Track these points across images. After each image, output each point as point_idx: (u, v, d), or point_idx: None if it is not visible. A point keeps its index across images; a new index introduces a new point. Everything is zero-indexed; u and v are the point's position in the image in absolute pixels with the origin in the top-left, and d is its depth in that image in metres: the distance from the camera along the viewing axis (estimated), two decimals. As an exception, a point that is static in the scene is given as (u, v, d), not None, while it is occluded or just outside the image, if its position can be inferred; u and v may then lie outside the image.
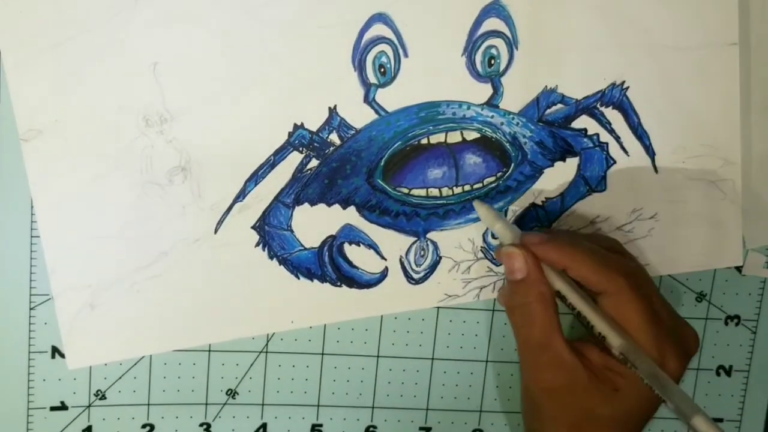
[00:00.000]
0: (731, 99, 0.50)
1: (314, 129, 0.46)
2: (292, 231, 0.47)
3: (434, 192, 0.48)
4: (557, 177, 0.49)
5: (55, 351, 0.48)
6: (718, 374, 0.55)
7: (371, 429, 0.53)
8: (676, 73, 0.49)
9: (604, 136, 0.49)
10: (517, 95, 0.47)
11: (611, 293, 0.43)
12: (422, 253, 0.49)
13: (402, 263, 0.49)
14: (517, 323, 0.45)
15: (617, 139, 0.49)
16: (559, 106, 0.48)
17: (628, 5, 0.47)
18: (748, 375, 0.56)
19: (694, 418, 0.39)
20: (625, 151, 0.49)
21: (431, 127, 0.47)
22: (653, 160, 0.50)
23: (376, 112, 0.46)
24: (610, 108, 0.49)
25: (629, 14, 0.48)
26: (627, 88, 0.49)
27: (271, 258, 0.48)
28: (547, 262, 0.44)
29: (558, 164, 0.49)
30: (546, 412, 0.45)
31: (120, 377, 0.49)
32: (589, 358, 0.44)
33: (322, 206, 0.47)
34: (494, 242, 0.49)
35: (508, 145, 0.48)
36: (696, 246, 0.52)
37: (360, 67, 0.46)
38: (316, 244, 0.48)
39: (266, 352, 0.50)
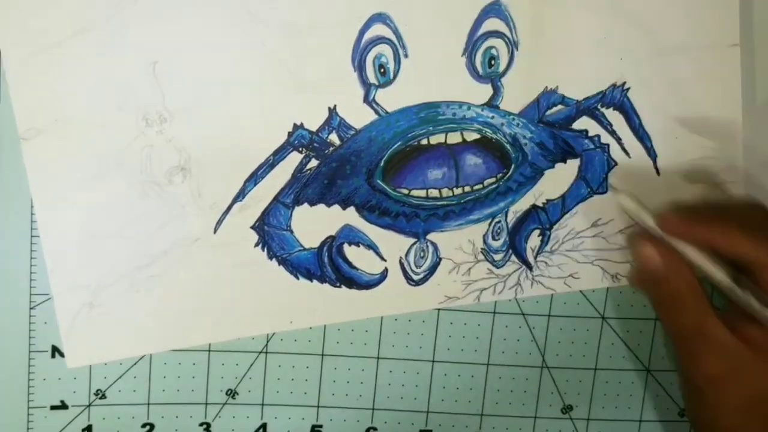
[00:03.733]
0: (733, 100, 0.49)
1: (314, 129, 0.46)
2: (291, 231, 0.47)
3: (434, 193, 0.48)
4: (558, 178, 0.49)
5: (55, 350, 0.48)
6: (723, 379, 0.55)
7: (371, 430, 0.52)
8: (677, 75, 0.48)
9: (605, 138, 0.49)
10: (517, 96, 0.47)
11: (764, 265, 0.40)
12: (422, 254, 0.49)
13: (402, 264, 0.49)
14: (668, 315, 0.43)
15: (618, 140, 0.49)
16: (560, 107, 0.48)
17: (629, 6, 0.47)
18: (753, 379, 0.55)
19: None
20: (627, 153, 0.49)
21: (431, 128, 0.47)
22: (655, 162, 0.49)
23: (376, 112, 0.46)
24: (611, 109, 0.48)
25: (630, 15, 0.47)
26: (628, 89, 0.48)
27: (271, 258, 0.47)
28: (694, 241, 0.42)
29: (559, 166, 0.49)
30: (713, 400, 0.43)
31: (120, 377, 0.49)
32: (749, 334, 0.42)
33: (321, 206, 0.47)
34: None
35: (508, 146, 0.48)
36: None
37: (360, 67, 0.45)
38: (316, 244, 0.48)
39: (266, 352, 0.50)
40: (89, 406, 0.49)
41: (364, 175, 0.47)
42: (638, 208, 0.45)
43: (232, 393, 0.50)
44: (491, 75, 0.47)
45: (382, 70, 0.46)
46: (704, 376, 0.42)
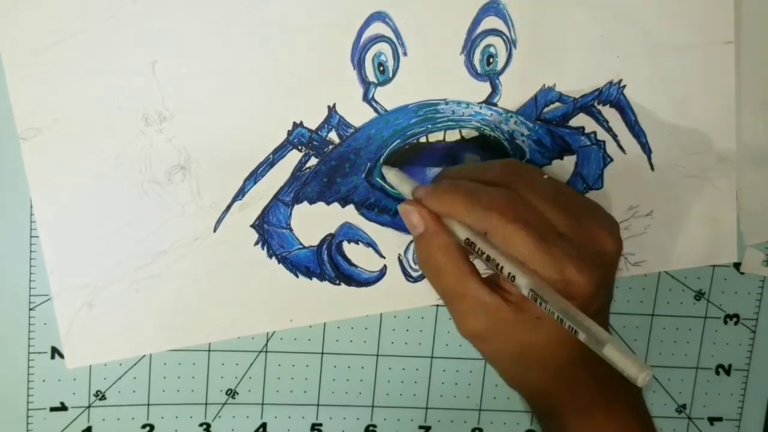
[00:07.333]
0: (727, 97, 0.50)
1: (313, 127, 0.46)
2: (291, 229, 0.47)
3: (433, 190, 0.48)
4: (555, 175, 0.49)
5: (55, 351, 0.48)
6: (717, 373, 0.55)
7: (371, 428, 0.53)
8: (672, 72, 0.49)
9: (602, 134, 0.49)
10: (515, 94, 0.48)
11: (492, 232, 0.41)
12: (421, 251, 0.49)
13: (401, 261, 0.49)
14: (430, 277, 0.44)
15: (614, 137, 0.49)
16: (557, 104, 0.48)
17: (625, 4, 0.48)
18: (748, 374, 0.56)
19: (605, 348, 0.37)
20: (622, 149, 0.50)
21: (430, 126, 0.47)
22: (650, 158, 0.50)
23: (375, 110, 0.47)
24: (608, 106, 0.49)
25: (627, 13, 0.48)
26: (624, 86, 0.49)
27: (270, 256, 0.48)
28: (435, 212, 0.43)
29: (556, 162, 0.49)
30: (486, 354, 0.45)
31: (120, 377, 0.49)
32: (509, 291, 0.43)
33: (321, 205, 0.48)
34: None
35: (506, 144, 0.48)
36: (692, 243, 0.52)
37: (359, 65, 0.46)
38: (315, 242, 0.48)
39: (266, 351, 0.50)
40: (89, 407, 0.49)
41: (363, 173, 0.47)
42: (400, 179, 0.45)
43: (232, 393, 0.50)
44: (489, 73, 0.47)
45: (381, 68, 0.46)
46: (470, 334, 0.43)
